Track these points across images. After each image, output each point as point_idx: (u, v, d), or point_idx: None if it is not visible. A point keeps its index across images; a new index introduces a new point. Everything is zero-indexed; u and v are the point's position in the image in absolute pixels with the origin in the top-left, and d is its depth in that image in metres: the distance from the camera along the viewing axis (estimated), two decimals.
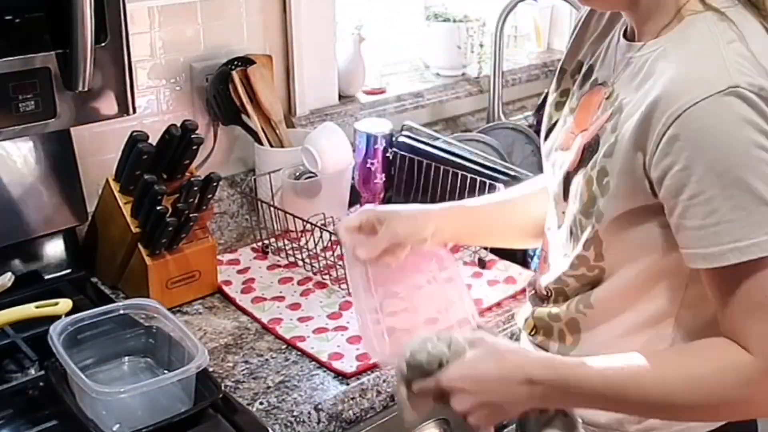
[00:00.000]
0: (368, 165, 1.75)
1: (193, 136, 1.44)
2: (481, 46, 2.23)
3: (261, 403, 1.24)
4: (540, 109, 2.32)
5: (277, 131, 1.75)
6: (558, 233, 1.14)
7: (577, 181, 1.06)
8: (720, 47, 0.94)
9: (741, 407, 0.97)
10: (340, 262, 1.55)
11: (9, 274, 1.41)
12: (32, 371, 1.25)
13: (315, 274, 1.59)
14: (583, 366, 0.99)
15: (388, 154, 1.75)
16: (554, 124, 1.20)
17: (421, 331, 1.08)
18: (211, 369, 1.26)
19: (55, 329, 1.17)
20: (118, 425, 1.09)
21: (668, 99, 0.93)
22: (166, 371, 1.21)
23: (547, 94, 2.18)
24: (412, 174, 1.78)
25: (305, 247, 1.61)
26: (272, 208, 1.66)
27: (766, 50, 0.95)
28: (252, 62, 1.72)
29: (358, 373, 1.30)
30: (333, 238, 1.58)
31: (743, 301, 0.93)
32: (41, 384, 1.20)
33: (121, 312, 1.26)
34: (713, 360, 0.96)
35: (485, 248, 1.62)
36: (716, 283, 0.95)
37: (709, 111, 0.91)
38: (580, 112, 1.13)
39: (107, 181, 1.48)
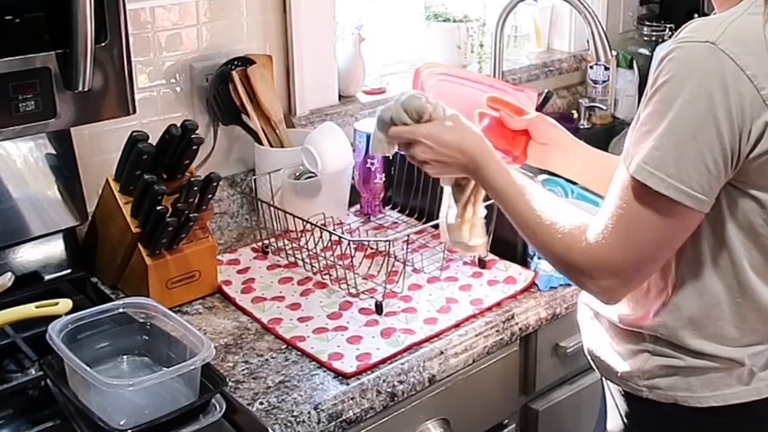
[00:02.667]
0: (368, 165, 1.75)
1: (193, 136, 1.44)
2: (481, 46, 2.23)
3: (261, 403, 1.24)
4: (540, 109, 2.32)
5: (277, 131, 1.75)
6: None
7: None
8: (735, 15, 1.01)
9: (562, 263, 1.13)
10: (340, 262, 1.55)
11: (9, 274, 1.41)
12: (32, 371, 1.25)
13: (315, 274, 1.59)
14: (503, 173, 1.21)
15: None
16: None
17: None
18: None
19: (54, 327, 1.17)
20: (124, 420, 1.09)
21: (675, 38, 1.03)
22: (165, 369, 1.21)
23: (548, 93, 2.18)
24: (412, 174, 1.78)
25: (305, 247, 1.61)
26: (272, 208, 1.66)
27: None
28: (252, 62, 1.72)
29: (358, 373, 1.30)
30: (333, 238, 1.59)
31: (614, 206, 1.05)
32: (41, 384, 1.20)
33: (120, 311, 1.26)
34: (569, 220, 1.12)
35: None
36: (616, 181, 1.06)
37: (689, 52, 1.00)
38: None
39: (107, 181, 1.48)
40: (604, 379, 1.26)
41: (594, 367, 1.27)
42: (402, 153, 1.30)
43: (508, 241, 1.62)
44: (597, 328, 1.25)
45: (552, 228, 1.13)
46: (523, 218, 1.18)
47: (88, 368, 1.09)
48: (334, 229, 1.64)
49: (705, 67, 0.98)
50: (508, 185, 1.20)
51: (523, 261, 1.62)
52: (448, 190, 1.33)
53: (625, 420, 1.22)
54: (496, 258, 1.63)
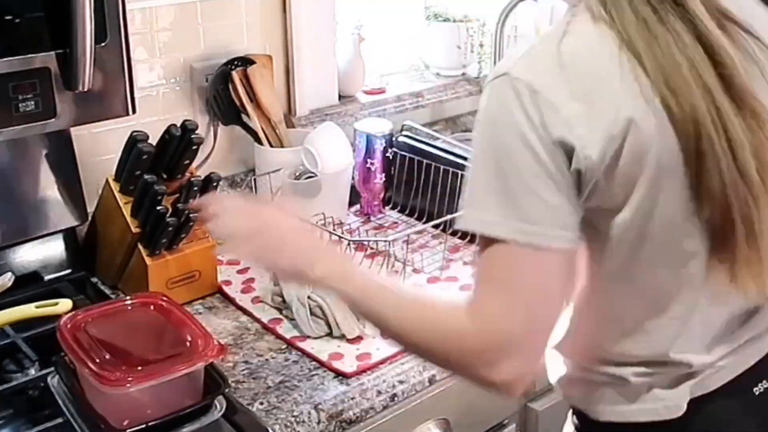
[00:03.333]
0: (368, 165, 1.75)
1: (193, 136, 1.44)
2: (481, 46, 2.23)
3: (261, 403, 1.24)
4: None
5: (277, 131, 1.75)
6: None
7: None
8: (544, 41, 0.98)
9: (457, 362, 1.00)
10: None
11: (9, 274, 1.41)
12: (32, 371, 1.25)
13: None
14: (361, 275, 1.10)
15: (388, 154, 1.75)
16: None
17: None
18: None
19: (66, 324, 1.16)
20: (127, 421, 1.09)
21: None
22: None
23: None
24: (412, 174, 1.78)
25: None
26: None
27: (580, 50, 0.94)
28: (252, 62, 1.72)
29: (358, 373, 1.30)
30: (333, 238, 1.58)
31: (479, 272, 0.98)
32: (41, 384, 1.20)
33: (129, 308, 1.25)
34: (440, 308, 1.01)
35: None
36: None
37: (486, 91, 0.97)
38: None
39: (107, 181, 1.48)
40: None
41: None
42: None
43: None
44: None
45: (426, 321, 1.01)
46: (394, 328, 1.04)
47: (94, 367, 1.09)
48: (334, 229, 1.64)
49: (503, 100, 0.94)
50: (362, 295, 1.06)
51: None
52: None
53: (575, 424, 1.21)
54: None
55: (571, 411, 1.21)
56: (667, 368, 1.07)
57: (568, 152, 0.92)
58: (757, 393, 1.13)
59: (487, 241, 0.94)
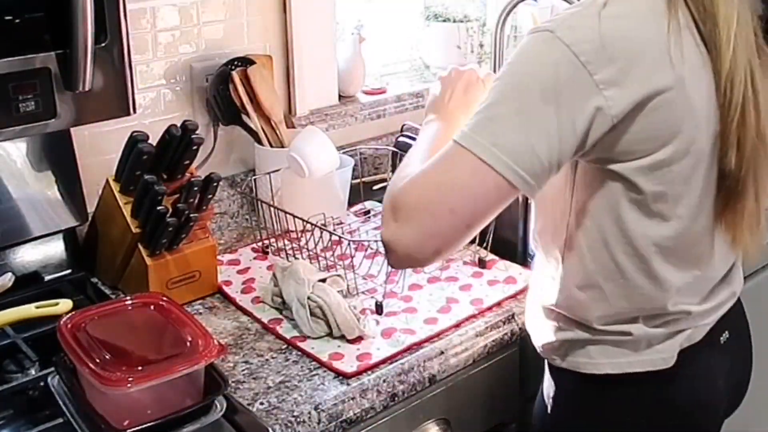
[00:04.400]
0: None
1: (193, 136, 1.44)
2: (481, 46, 2.23)
3: (261, 404, 1.24)
4: None
5: (277, 131, 1.75)
6: None
7: None
8: (581, 7, 1.07)
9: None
10: (340, 262, 1.55)
11: (9, 274, 1.41)
12: (32, 371, 1.25)
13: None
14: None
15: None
16: None
17: None
18: None
19: (66, 324, 1.16)
20: (127, 421, 1.09)
21: None
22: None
23: None
24: None
25: (305, 247, 1.61)
26: (272, 208, 1.66)
27: (620, 19, 1.05)
28: (252, 62, 1.72)
29: (358, 373, 1.30)
30: (333, 238, 1.59)
31: (434, 159, 1.08)
32: (41, 384, 1.20)
33: (129, 308, 1.25)
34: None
35: (485, 248, 1.62)
36: (447, 147, 1.08)
37: (527, 41, 1.08)
38: None
39: (107, 181, 1.48)
40: None
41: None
42: None
43: (508, 241, 1.62)
44: (527, 304, 1.35)
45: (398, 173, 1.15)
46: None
47: (94, 367, 1.09)
48: (334, 229, 1.64)
49: (540, 53, 1.05)
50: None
51: (523, 261, 1.62)
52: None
53: (554, 386, 1.30)
54: (496, 258, 1.63)
55: (549, 374, 1.31)
56: (668, 320, 1.20)
57: (592, 113, 1.03)
58: (722, 342, 1.28)
59: (467, 155, 1.04)
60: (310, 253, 1.60)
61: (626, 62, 1.03)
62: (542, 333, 1.29)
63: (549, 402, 1.30)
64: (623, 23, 1.05)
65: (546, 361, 1.31)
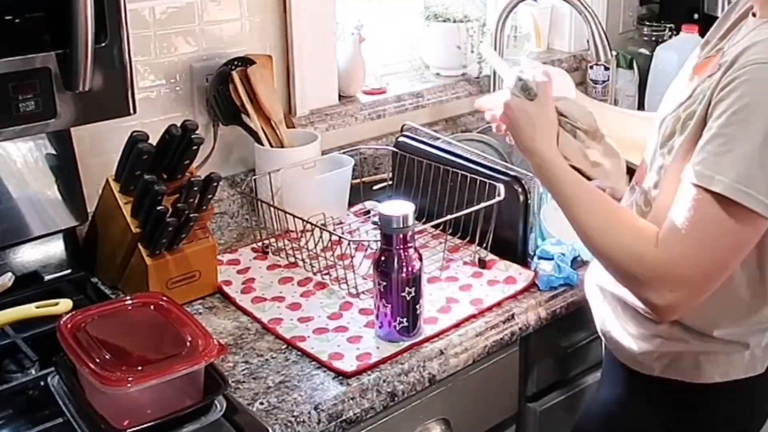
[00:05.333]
0: None
1: (193, 136, 1.44)
2: None
3: (261, 403, 1.24)
4: None
5: (277, 131, 1.75)
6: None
7: (667, 118, 1.21)
8: None
9: (627, 274, 1.15)
10: (340, 262, 1.55)
11: (9, 274, 1.41)
12: (32, 371, 1.25)
13: (315, 274, 1.59)
14: (566, 172, 1.27)
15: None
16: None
17: None
18: None
19: (65, 324, 1.16)
20: (127, 421, 1.09)
21: (745, 54, 1.07)
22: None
23: None
24: (411, 174, 1.78)
25: (305, 247, 1.61)
26: (272, 208, 1.66)
27: None
28: (252, 62, 1.72)
29: (358, 373, 1.30)
30: (333, 238, 1.59)
31: (691, 216, 1.08)
32: (41, 384, 1.20)
33: (129, 308, 1.25)
34: (633, 225, 1.16)
35: (485, 248, 1.62)
36: (689, 194, 1.09)
37: (764, 72, 1.05)
38: (698, 68, 1.25)
39: (107, 181, 1.48)
40: (611, 355, 1.34)
41: (605, 344, 1.35)
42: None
43: (508, 241, 1.62)
44: (609, 309, 1.32)
45: (618, 236, 1.16)
46: (585, 221, 1.21)
47: (94, 367, 1.09)
48: (334, 229, 1.64)
49: None
50: (572, 185, 1.25)
51: (523, 261, 1.62)
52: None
53: (631, 395, 1.30)
54: (496, 258, 1.63)
55: (627, 381, 1.30)
56: None
57: None
58: None
59: (731, 205, 1.05)
60: (310, 253, 1.60)
61: None
62: (638, 342, 1.27)
63: (626, 410, 1.31)
64: None
65: (627, 368, 1.30)
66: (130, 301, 1.26)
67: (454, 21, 2.20)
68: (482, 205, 1.59)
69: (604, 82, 2.37)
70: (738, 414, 1.29)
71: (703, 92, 1.13)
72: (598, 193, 1.24)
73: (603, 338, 1.37)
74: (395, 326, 1.36)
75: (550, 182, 1.28)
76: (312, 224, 1.59)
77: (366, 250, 1.64)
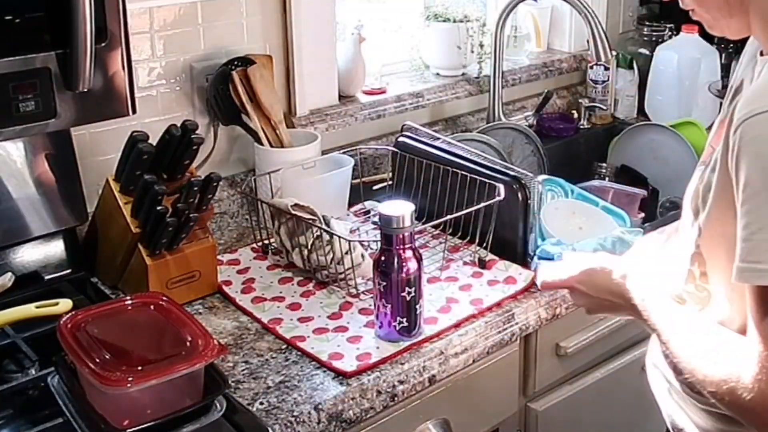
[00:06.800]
0: None
1: (193, 136, 1.44)
2: (481, 46, 2.22)
3: (261, 403, 1.24)
4: (540, 109, 2.32)
5: (277, 131, 1.75)
6: None
7: (691, 195, 1.10)
8: None
9: (738, 391, 0.97)
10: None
11: (9, 274, 1.42)
12: (32, 371, 1.25)
13: (315, 274, 1.58)
14: (654, 305, 1.13)
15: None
16: None
17: None
18: None
19: (66, 324, 1.16)
20: (127, 421, 1.09)
21: (740, 108, 0.94)
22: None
23: (547, 93, 2.18)
24: (411, 174, 1.78)
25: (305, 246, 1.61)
26: (272, 208, 1.66)
27: None
28: (252, 62, 1.72)
29: (358, 373, 1.30)
30: (333, 237, 1.58)
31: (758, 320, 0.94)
32: (41, 384, 1.20)
33: (129, 308, 1.25)
34: (732, 341, 1.01)
35: (485, 248, 1.62)
36: (754, 297, 0.95)
37: (765, 122, 0.91)
38: (719, 127, 1.11)
39: (107, 181, 1.48)
40: None
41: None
42: None
43: (508, 241, 1.62)
44: (676, 401, 1.20)
45: (709, 367, 1.01)
46: (681, 355, 1.07)
47: (94, 367, 1.09)
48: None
49: None
50: (662, 321, 1.11)
51: (523, 261, 1.62)
52: None
53: None
54: (496, 258, 1.63)
55: None
56: None
57: None
58: None
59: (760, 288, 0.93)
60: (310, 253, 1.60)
61: None
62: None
63: None
64: None
65: None
66: (130, 301, 1.26)
67: (454, 21, 2.20)
68: (482, 205, 1.59)
69: (604, 82, 2.38)
70: None
71: (716, 157, 1.02)
72: (685, 319, 1.10)
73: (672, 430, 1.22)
74: (395, 326, 1.36)
75: (646, 322, 1.15)
76: (312, 224, 1.59)
77: (366, 250, 1.64)
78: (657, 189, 2.12)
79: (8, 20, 1.13)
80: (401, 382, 1.32)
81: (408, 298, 1.35)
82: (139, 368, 1.10)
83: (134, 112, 1.31)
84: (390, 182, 1.85)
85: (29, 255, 1.49)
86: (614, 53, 2.29)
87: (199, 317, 1.45)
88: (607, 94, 2.38)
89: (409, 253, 1.34)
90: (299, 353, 1.36)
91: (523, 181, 1.60)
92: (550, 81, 2.40)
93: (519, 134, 2.13)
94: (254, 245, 1.70)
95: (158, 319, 1.23)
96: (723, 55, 2.39)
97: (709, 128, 1.23)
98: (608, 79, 2.37)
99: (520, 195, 1.60)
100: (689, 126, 2.18)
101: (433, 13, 2.23)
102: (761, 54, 1.07)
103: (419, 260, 1.35)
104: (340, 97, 2.00)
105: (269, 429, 1.18)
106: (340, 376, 1.30)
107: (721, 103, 1.68)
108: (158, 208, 1.39)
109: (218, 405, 1.16)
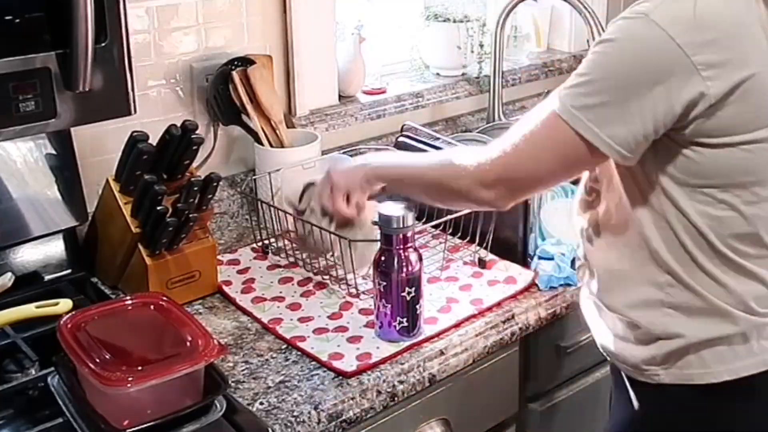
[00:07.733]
0: None
1: (193, 136, 1.44)
2: (481, 46, 2.23)
3: (261, 403, 1.24)
4: None
5: (277, 131, 1.75)
6: None
7: None
8: None
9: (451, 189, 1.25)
10: (340, 263, 1.55)
11: (9, 274, 1.41)
12: (32, 371, 1.25)
13: (315, 274, 1.59)
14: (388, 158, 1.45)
15: None
16: None
17: None
18: None
19: (66, 324, 1.16)
20: (127, 421, 1.09)
21: None
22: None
23: (548, 93, 2.16)
24: None
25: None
26: (272, 208, 1.66)
27: (714, 6, 1.07)
28: (252, 62, 1.72)
29: (358, 373, 1.30)
30: (333, 237, 1.58)
31: (534, 131, 1.14)
32: (41, 384, 1.20)
33: (129, 308, 1.25)
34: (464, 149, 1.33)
35: (485, 248, 1.62)
36: (547, 115, 1.14)
37: (619, 25, 1.10)
38: None
39: (107, 181, 1.48)
40: (618, 371, 1.30)
41: (608, 359, 1.32)
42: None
43: (508, 241, 1.62)
44: (605, 323, 1.29)
45: (449, 166, 1.25)
46: (423, 177, 1.31)
47: (94, 367, 1.09)
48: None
49: (638, 36, 1.07)
50: (398, 165, 1.40)
51: (523, 261, 1.62)
52: None
53: (642, 409, 1.25)
54: (496, 258, 1.63)
55: (637, 394, 1.26)
56: None
57: (691, 95, 1.05)
58: None
59: (568, 129, 1.10)
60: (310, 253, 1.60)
61: (723, 44, 1.05)
62: (637, 349, 1.23)
63: (644, 425, 1.26)
64: (717, 4, 1.06)
65: (634, 381, 1.26)
66: (130, 301, 1.26)
67: (454, 21, 2.20)
68: None
69: None
70: (759, 414, 1.21)
71: None
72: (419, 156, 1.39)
73: (604, 353, 1.32)
74: (395, 326, 1.36)
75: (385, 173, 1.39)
76: (312, 224, 1.59)
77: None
78: None
79: (8, 20, 1.13)
80: (401, 382, 1.32)
81: (408, 298, 1.35)
82: (139, 368, 1.09)
83: (134, 112, 1.30)
84: None
85: (29, 255, 1.49)
86: None
87: (199, 317, 1.45)
88: None
89: (409, 253, 1.34)
90: (299, 353, 1.36)
91: None
92: (550, 81, 2.40)
93: None
94: (254, 245, 1.70)
95: (158, 319, 1.23)
96: None
97: None
98: None
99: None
100: None
101: (433, 13, 2.23)
102: None
103: (419, 260, 1.36)
104: (340, 97, 2.00)
105: (269, 429, 1.18)
106: (340, 376, 1.30)
107: None
108: (158, 208, 1.39)
109: (218, 405, 1.15)
